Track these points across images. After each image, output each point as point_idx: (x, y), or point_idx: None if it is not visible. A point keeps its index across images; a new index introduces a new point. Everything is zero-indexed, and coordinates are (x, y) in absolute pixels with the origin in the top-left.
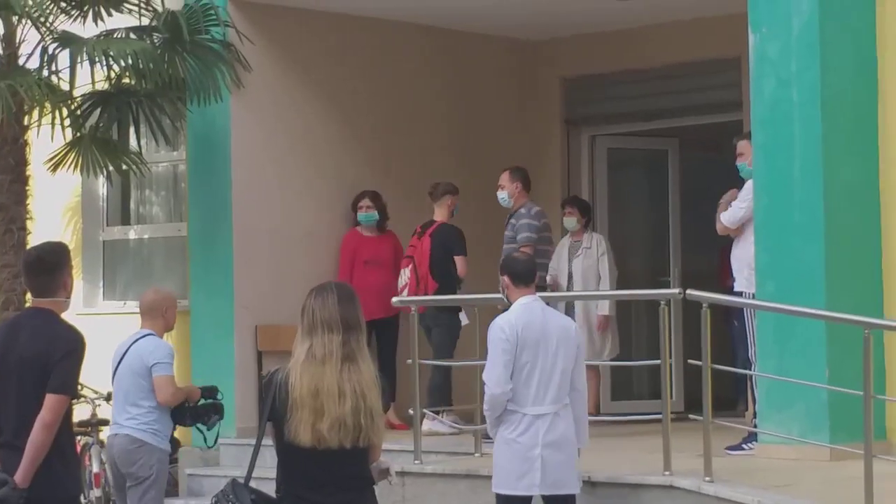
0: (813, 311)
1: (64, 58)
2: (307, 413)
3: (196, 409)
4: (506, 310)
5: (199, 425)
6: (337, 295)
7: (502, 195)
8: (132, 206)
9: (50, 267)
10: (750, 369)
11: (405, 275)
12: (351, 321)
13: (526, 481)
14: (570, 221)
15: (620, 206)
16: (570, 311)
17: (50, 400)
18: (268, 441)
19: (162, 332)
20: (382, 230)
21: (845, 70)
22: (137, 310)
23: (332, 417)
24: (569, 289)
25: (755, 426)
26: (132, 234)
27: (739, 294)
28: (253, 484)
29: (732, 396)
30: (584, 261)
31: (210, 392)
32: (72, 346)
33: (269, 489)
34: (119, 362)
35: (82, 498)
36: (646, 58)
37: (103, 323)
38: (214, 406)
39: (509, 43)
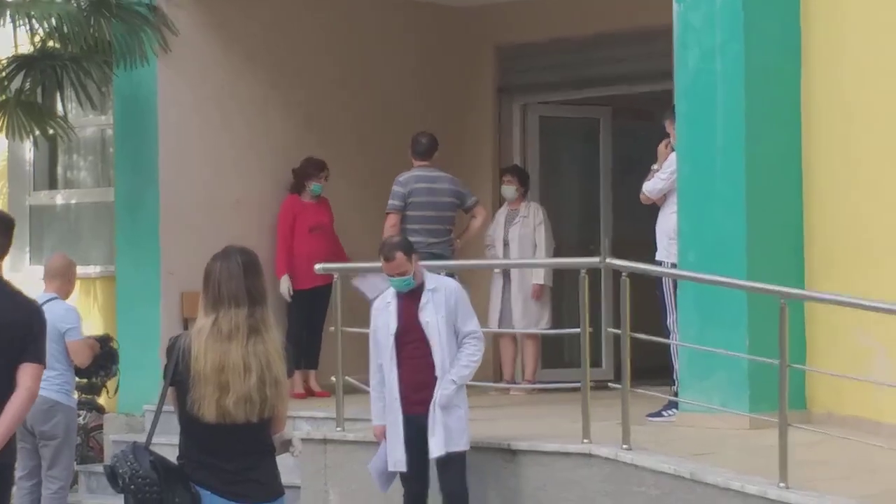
0: (729, 280)
1: None
2: (211, 389)
3: (97, 360)
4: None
5: (96, 379)
6: (242, 265)
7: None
8: (59, 170)
9: (12, 231)
10: (668, 337)
11: None
12: (256, 294)
13: None
14: (509, 190)
15: (552, 174)
16: (506, 278)
17: (35, 370)
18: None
19: (66, 296)
20: (319, 197)
21: (769, 41)
22: None
23: (237, 393)
24: (505, 257)
25: (674, 394)
26: (59, 199)
27: (660, 263)
28: (167, 451)
29: (666, 365)
30: (521, 229)
31: (104, 341)
32: (44, 316)
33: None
34: None
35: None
36: (578, 26)
37: (29, 288)
38: (111, 355)
39: (442, 10)
